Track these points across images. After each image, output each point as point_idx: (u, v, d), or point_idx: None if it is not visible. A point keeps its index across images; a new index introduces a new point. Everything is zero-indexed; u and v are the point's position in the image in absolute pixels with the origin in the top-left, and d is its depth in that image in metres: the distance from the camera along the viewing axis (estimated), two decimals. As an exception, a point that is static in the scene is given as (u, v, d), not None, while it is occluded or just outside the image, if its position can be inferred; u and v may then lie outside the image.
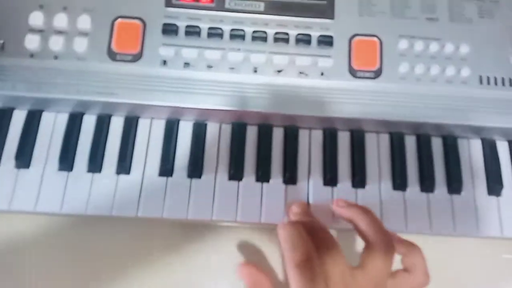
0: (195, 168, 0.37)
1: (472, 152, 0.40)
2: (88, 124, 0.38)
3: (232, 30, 0.38)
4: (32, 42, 0.36)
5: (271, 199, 0.36)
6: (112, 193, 0.36)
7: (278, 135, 0.39)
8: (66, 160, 0.36)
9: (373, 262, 0.30)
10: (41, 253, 0.36)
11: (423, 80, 0.39)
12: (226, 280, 0.37)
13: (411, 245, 0.32)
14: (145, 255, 0.36)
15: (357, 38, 0.39)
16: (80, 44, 0.37)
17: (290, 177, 0.37)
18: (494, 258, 0.38)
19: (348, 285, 0.28)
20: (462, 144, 0.40)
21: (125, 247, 0.37)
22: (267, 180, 0.37)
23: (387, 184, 0.37)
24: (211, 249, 0.37)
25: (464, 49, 0.39)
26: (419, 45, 0.39)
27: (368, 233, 0.31)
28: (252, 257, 0.37)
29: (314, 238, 0.30)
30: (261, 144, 0.38)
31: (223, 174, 0.37)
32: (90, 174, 0.36)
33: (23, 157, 0.36)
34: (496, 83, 0.39)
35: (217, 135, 0.38)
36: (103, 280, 0.36)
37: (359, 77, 0.38)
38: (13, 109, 0.38)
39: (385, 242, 0.30)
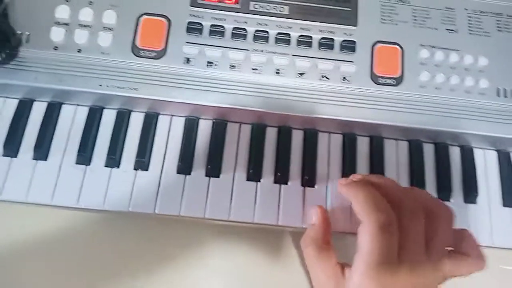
0: (214, 167, 0.36)
1: (487, 163, 0.40)
2: (108, 118, 0.38)
3: (256, 31, 0.38)
4: (57, 34, 0.36)
5: (288, 201, 0.36)
6: (130, 189, 0.35)
7: (297, 138, 0.38)
8: (84, 154, 0.36)
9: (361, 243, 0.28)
10: (53, 247, 0.35)
11: (442, 89, 0.39)
12: (238, 281, 0.36)
13: (460, 230, 0.31)
14: (160, 252, 0.36)
15: (379, 45, 0.39)
16: (105, 39, 0.37)
17: (308, 180, 0.37)
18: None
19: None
20: (478, 154, 0.40)
21: (141, 243, 0.36)
22: (285, 182, 0.37)
23: (405, 191, 0.37)
24: (226, 248, 0.37)
25: (483, 61, 0.40)
26: (439, 55, 0.40)
27: (359, 209, 0.28)
28: (267, 258, 0.37)
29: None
30: (280, 146, 0.38)
31: (241, 174, 0.37)
32: (108, 169, 0.36)
33: (41, 149, 0.36)
34: (513, 96, 0.39)
35: (236, 135, 0.38)
36: (115, 276, 0.35)
37: (381, 84, 0.38)
38: (33, 100, 0.38)
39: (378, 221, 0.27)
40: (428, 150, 0.39)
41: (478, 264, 0.30)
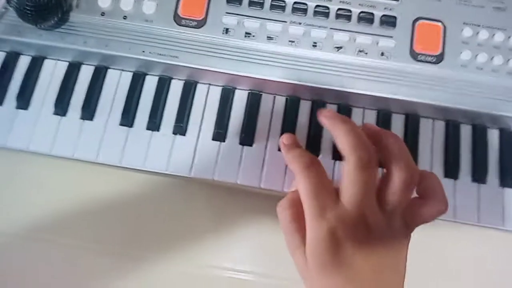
0: (247, 136, 0.38)
1: (528, 148, 0.39)
2: (150, 84, 0.39)
3: (295, 3, 0.38)
4: (104, 1, 0.38)
5: (319, 173, 0.37)
6: (168, 152, 0.37)
7: (331, 112, 0.39)
8: (128, 116, 0.38)
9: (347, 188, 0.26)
10: (93, 202, 0.38)
11: (484, 69, 0.38)
12: (257, 246, 0.38)
13: (423, 171, 0.29)
14: (186, 213, 0.38)
15: (421, 21, 0.38)
16: (149, 7, 0.38)
17: (339, 154, 0.37)
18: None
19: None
20: (518, 138, 0.39)
21: (169, 204, 0.38)
22: (317, 155, 0.37)
23: (438, 171, 0.37)
24: (250, 215, 0.38)
25: (531, 41, 0.38)
26: (483, 34, 0.38)
27: (343, 146, 0.27)
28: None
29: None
30: (313, 119, 0.38)
31: (273, 144, 0.38)
32: (149, 132, 0.38)
33: (88, 110, 0.38)
34: (561, 80, 0.38)
35: (270, 106, 0.39)
36: (143, 233, 0.38)
37: (420, 61, 0.37)
38: (82, 63, 0.40)
39: (363, 157, 0.26)
40: (466, 131, 0.39)
41: (440, 208, 0.28)
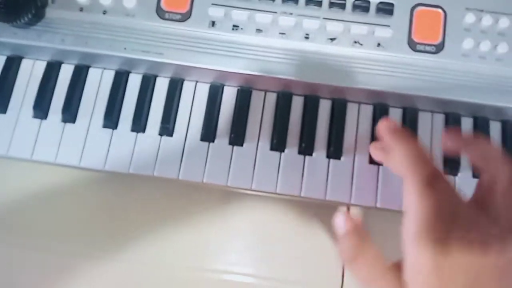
0: (237, 136, 0.36)
1: (532, 141, 0.37)
2: (134, 83, 0.37)
3: (285, -8, 0.36)
4: (82, -5, 0.36)
5: (313, 173, 0.35)
6: (155, 154, 0.35)
7: (325, 108, 0.37)
8: (111, 118, 0.36)
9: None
10: (78, 207, 0.37)
11: (487, 58, 0.36)
12: (252, 248, 0.37)
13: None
14: (180, 216, 0.37)
15: (419, 8, 0.36)
16: (130, 0, 0.36)
17: (334, 152, 0.35)
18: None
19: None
20: (522, 131, 0.37)
21: (162, 207, 0.37)
22: (310, 154, 0.36)
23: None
24: (245, 217, 0.37)
25: (537, 27, 0.36)
26: (487, 20, 0.36)
27: (398, 166, 0.26)
28: (285, 230, 0.37)
29: None
30: (306, 115, 0.37)
31: (265, 144, 0.36)
32: (134, 134, 0.36)
33: (70, 112, 0.36)
34: None
35: (261, 103, 0.37)
36: (137, 237, 0.37)
37: (419, 51, 0.35)
38: (61, 62, 0.38)
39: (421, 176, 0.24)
40: (466, 124, 0.37)
41: None
